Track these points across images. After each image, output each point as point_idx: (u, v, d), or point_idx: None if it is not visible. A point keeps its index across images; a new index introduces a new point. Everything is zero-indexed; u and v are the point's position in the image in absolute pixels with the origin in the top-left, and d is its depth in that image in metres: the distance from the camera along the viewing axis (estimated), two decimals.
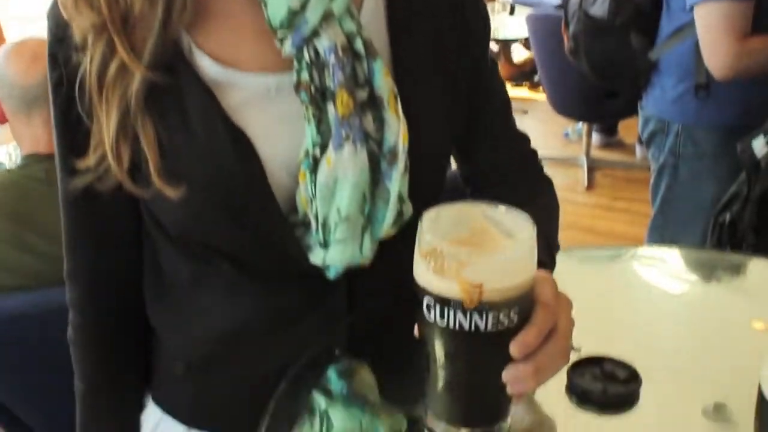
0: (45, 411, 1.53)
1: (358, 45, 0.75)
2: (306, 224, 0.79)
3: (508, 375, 0.64)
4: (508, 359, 0.66)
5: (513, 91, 5.18)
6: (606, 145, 4.54)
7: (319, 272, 0.81)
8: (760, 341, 0.87)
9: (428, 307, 0.63)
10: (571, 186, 4.04)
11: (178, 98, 0.76)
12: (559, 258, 0.86)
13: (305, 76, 0.75)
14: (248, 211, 0.78)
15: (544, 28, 3.74)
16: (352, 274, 0.82)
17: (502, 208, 0.69)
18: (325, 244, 0.78)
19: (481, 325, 0.62)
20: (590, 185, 4.12)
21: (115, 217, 0.86)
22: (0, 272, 1.48)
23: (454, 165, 1.05)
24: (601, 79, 2.21)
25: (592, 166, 4.23)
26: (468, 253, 0.62)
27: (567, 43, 2.21)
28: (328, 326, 0.85)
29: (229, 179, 0.77)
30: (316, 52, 0.75)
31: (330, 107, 0.75)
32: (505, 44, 5.55)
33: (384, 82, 0.76)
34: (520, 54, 5.77)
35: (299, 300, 0.84)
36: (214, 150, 0.76)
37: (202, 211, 0.78)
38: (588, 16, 2.08)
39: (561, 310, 0.66)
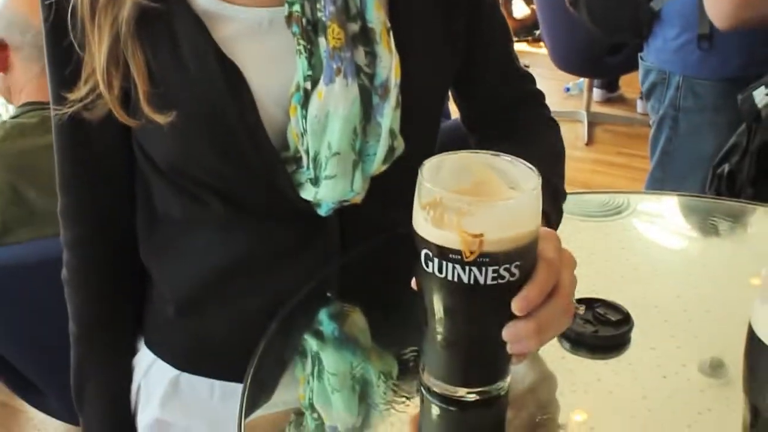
0: (44, 362, 1.54)
1: None
2: (297, 160, 0.79)
3: (508, 333, 0.62)
4: (508, 316, 0.64)
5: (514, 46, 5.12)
6: (607, 101, 4.52)
7: (310, 210, 0.81)
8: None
9: (426, 258, 0.62)
10: (572, 141, 4.03)
11: (169, 26, 0.76)
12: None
13: (297, 8, 0.74)
14: (239, 144, 0.78)
15: None
16: (343, 212, 0.82)
17: (506, 158, 0.67)
18: (316, 181, 0.78)
19: (481, 278, 0.61)
20: (590, 140, 4.10)
21: (106, 153, 0.85)
22: None
23: (456, 114, 1.04)
24: (603, 31, 2.18)
25: (593, 122, 4.22)
26: (468, 202, 0.60)
27: None
28: (320, 265, 0.85)
29: (219, 111, 0.77)
30: None
31: (321, 41, 0.75)
32: None
33: (376, 15, 0.75)
34: (521, 9, 5.70)
35: (291, 238, 0.85)
36: (205, 81, 0.76)
37: (192, 142, 0.78)
38: None
39: (564, 267, 0.64)
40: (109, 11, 0.75)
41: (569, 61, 3.84)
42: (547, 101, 1.00)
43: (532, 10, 5.11)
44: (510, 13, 5.61)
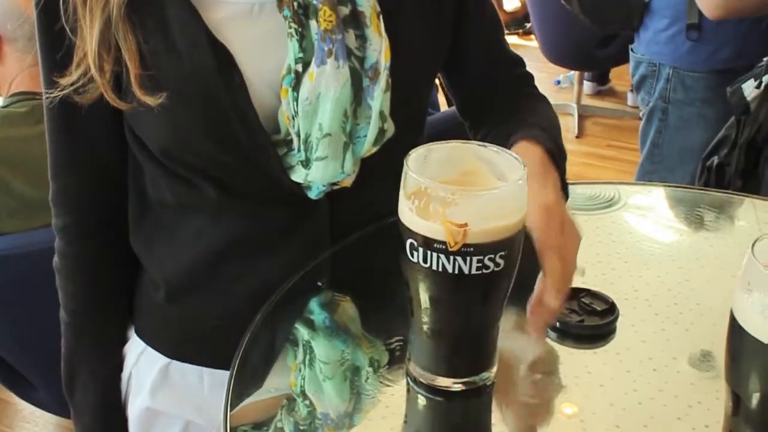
0: (33, 354, 1.54)
1: None
2: (288, 143, 0.80)
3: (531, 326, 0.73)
4: (493, 306, 0.65)
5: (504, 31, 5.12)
6: (597, 93, 4.52)
7: (301, 193, 0.81)
8: None
9: (411, 248, 0.63)
10: (562, 134, 4.02)
11: (160, 10, 0.76)
12: None
13: None
14: (230, 127, 0.78)
15: None
16: (333, 196, 0.83)
17: (493, 149, 0.68)
18: (307, 163, 0.79)
19: (465, 268, 0.61)
20: (581, 133, 4.11)
21: (97, 139, 0.86)
22: None
23: (445, 107, 1.04)
24: (594, 23, 2.18)
25: (583, 114, 4.22)
26: (453, 191, 0.61)
27: None
28: (310, 251, 0.86)
29: (210, 94, 0.77)
30: None
31: (312, 23, 0.76)
32: None
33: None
34: (512, 1, 5.70)
35: (281, 223, 0.85)
36: (196, 64, 0.77)
37: (183, 125, 0.79)
38: None
39: (567, 254, 0.70)
40: None
41: (560, 53, 3.84)
42: None
43: (523, 3, 5.10)
44: (501, 5, 5.61)
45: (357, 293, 0.85)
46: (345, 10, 0.76)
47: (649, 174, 2.07)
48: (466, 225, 0.60)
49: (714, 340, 0.75)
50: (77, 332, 0.94)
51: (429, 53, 0.87)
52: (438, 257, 0.61)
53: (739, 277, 0.60)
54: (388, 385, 0.73)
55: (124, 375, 0.97)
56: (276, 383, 0.76)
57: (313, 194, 0.81)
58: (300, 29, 0.76)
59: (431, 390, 0.69)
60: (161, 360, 0.93)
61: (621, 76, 4.37)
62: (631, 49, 2.06)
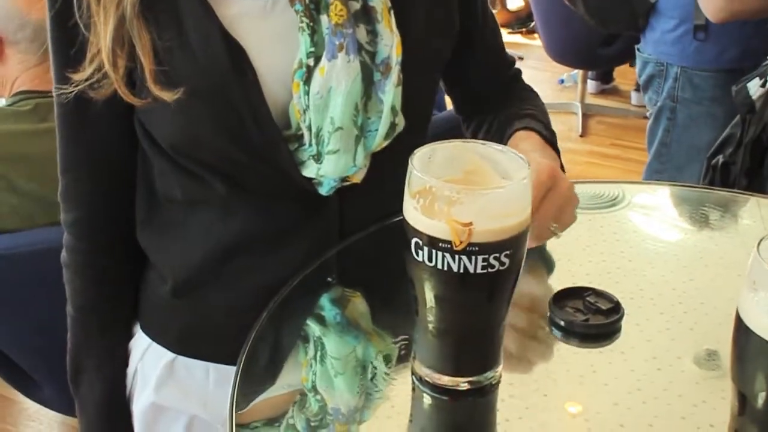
0: (38, 352, 1.54)
1: None
2: (299, 138, 0.80)
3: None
4: (498, 305, 0.65)
5: (508, 38, 5.13)
6: (601, 92, 4.51)
7: (312, 189, 0.82)
8: None
9: (417, 247, 0.63)
10: (566, 133, 4.02)
11: (174, 6, 0.77)
12: None
13: None
14: (242, 122, 0.79)
15: None
16: (343, 194, 0.83)
17: (497, 147, 0.68)
18: (318, 157, 0.80)
19: (470, 267, 0.61)
20: (584, 132, 4.10)
21: (108, 135, 0.86)
22: None
23: (449, 107, 1.06)
24: (599, 23, 2.18)
25: (587, 113, 4.21)
26: (458, 190, 0.61)
27: None
28: (319, 247, 0.86)
29: (223, 89, 0.78)
30: None
31: (324, 18, 0.77)
32: None
33: None
34: (515, 0, 5.70)
35: (291, 218, 0.86)
36: (210, 59, 0.77)
37: (195, 120, 0.79)
38: None
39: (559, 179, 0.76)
40: None
41: (563, 52, 3.84)
42: (542, 93, 1.06)
43: (526, 2, 5.09)
44: (504, 4, 5.61)
45: (367, 288, 0.86)
46: (356, 5, 0.78)
47: (657, 173, 2.07)
48: (471, 224, 0.60)
49: (719, 339, 0.75)
50: (84, 327, 0.94)
51: (437, 51, 0.89)
52: (443, 256, 0.61)
53: (744, 276, 0.59)
54: (394, 384, 0.73)
55: (130, 371, 0.97)
56: (287, 379, 0.76)
57: (324, 190, 0.82)
58: (311, 23, 0.77)
59: (436, 389, 0.69)
60: (167, 355, 0.94)
61: (625, 75, 4.36)
62: (638, 49, 2.06)
